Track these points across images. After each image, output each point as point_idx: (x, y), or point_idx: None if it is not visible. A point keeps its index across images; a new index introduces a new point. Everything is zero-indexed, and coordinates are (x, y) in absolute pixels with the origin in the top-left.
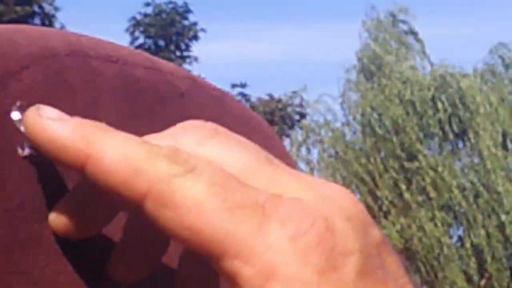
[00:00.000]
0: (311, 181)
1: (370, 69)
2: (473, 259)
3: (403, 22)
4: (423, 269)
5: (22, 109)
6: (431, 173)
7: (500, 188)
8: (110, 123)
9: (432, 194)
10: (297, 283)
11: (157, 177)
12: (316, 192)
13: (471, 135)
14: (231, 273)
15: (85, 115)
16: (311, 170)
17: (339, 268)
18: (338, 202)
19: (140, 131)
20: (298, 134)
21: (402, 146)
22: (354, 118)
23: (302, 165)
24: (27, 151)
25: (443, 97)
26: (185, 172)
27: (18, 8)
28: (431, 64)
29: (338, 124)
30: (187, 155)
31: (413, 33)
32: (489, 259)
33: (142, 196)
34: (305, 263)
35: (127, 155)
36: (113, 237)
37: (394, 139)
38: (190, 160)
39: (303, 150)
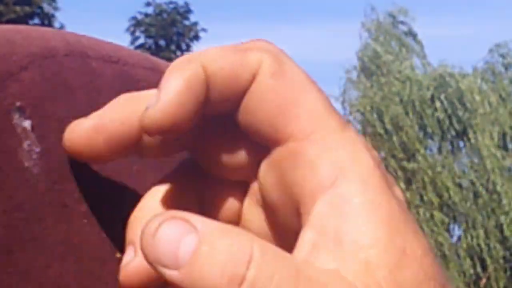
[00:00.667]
0: None
1: (371, 68)
2: (472, 259)
3: (403, 23)
4: None
5: (22, 110)
6: (431, 173)
7: (499, 188)
8: None
9: (431, 194)
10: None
11: (267, 50)
12: None
13: (470, 135)
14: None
15: (84, 115)
16: None
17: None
18: None
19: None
20: None
21: (402, 146)
22: (354, 117)
23: None
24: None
25: (442, 97)
26: (284, 52)
27: (18, 8)
28: (430, 65)
29: None
30: None
31: (412, 35)
32: (487, 259)
33: (256, 69)
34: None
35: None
36: (118, 240)
37: (394, 138)
38: None
39: None
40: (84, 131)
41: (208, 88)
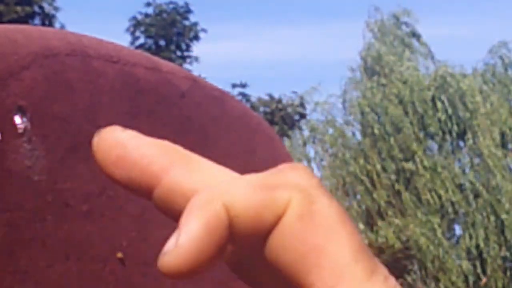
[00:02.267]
0: None
1: (373, 68)
2: (472, 259)
3: (406, 24)
4: (421, 270)
5: (23, 110)
6: (431, 172)
7: (499, 188)
8: (111, 123)
9: (431, 194)
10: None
11: (297, 187)
12: None
13: (471, 135)
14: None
15: (86, 114)
16: (312, 169)
17: None
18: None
19: (140, 131)
20: (304, 132)
21: (402, 146)
22: (355, 118)
23: (305, 163)
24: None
25: (442, 97)
26: (318, 186)
27: (18, 8)
28: (435, 65)
29: (340, 123)
30: None
31: (416, 36)
32: (487, 259)
33: (284, 207)
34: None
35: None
36: (119, 239)
37: (393, 139)
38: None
39: (307, 148)
40: (117, 140)
41: (231, 229)
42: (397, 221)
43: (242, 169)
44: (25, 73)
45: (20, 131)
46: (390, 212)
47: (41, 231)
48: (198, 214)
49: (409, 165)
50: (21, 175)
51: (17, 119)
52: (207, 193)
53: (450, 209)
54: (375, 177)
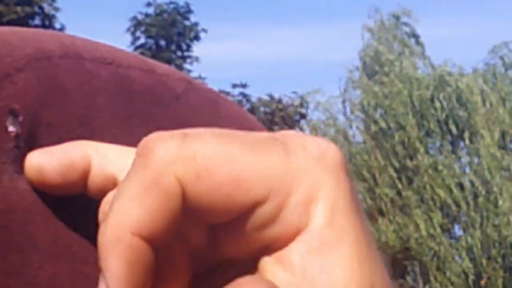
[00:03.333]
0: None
1: (372, 67)
2: (472, 259)
3: (406, 24)
4: (421, 269)
5: (15, 113)
6: (431, 172)
7: (497, 188)
8: (105, 126)
9: (431, 193)
10: (339, 200)
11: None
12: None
13: (470, 134)
14: (274, 213)
15: (79, 118)
16: None
17: (354, 186)
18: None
19: (134, 133)
20: (305, 132)
21: (403, 145)
22: (357, 117)
23: None
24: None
25: (441, 97)
26: (184, 138)
27: (18, 9)
28: (432, 66)
29: (341, 121)
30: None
31: (415, 36)
32: (487, 259)
33: (180, 188)
34: (339, 180)
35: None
36: None
37: (396, 137)
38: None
39: None
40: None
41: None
42: (399, 218)
43: None
44: (19, 75)
45: (12, 134)
46: (391, 210)
47: (32, 232)
48: (114, 254)
49: (410, 163)
50: (12, 177)
51: (10, 123)
52: (111, 227)
53: (450, 208)
54: (377, 175)
